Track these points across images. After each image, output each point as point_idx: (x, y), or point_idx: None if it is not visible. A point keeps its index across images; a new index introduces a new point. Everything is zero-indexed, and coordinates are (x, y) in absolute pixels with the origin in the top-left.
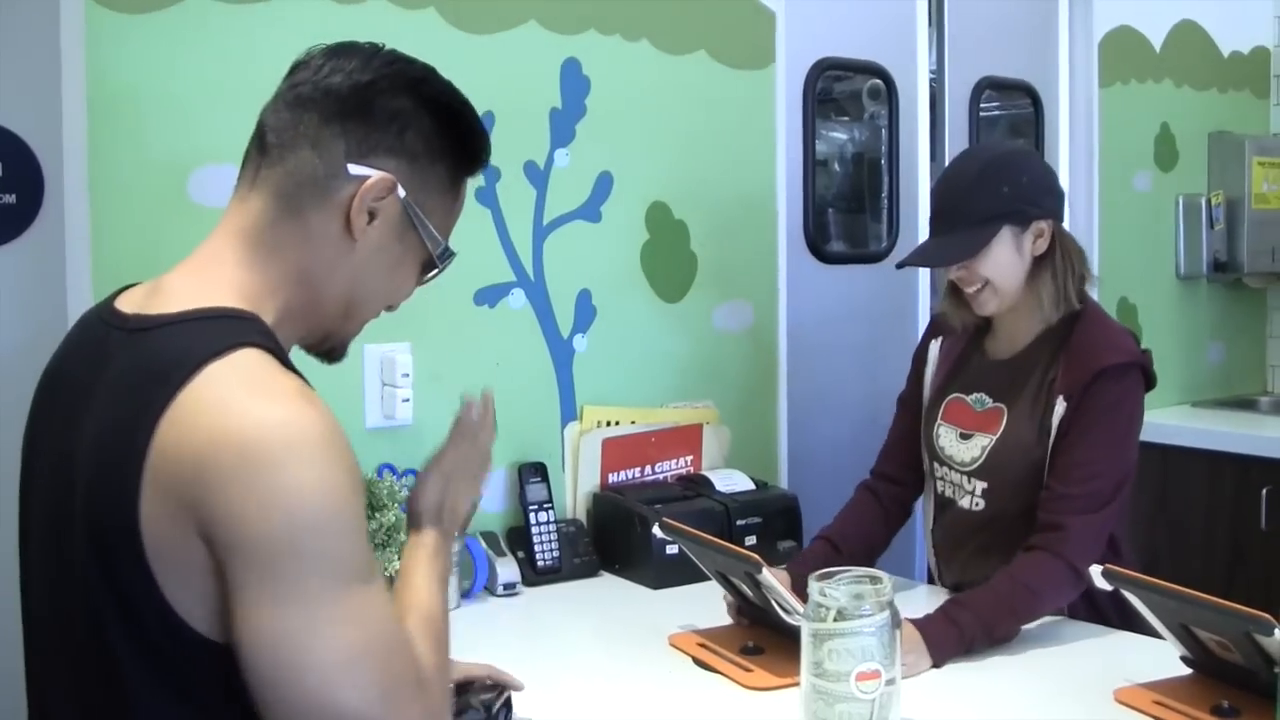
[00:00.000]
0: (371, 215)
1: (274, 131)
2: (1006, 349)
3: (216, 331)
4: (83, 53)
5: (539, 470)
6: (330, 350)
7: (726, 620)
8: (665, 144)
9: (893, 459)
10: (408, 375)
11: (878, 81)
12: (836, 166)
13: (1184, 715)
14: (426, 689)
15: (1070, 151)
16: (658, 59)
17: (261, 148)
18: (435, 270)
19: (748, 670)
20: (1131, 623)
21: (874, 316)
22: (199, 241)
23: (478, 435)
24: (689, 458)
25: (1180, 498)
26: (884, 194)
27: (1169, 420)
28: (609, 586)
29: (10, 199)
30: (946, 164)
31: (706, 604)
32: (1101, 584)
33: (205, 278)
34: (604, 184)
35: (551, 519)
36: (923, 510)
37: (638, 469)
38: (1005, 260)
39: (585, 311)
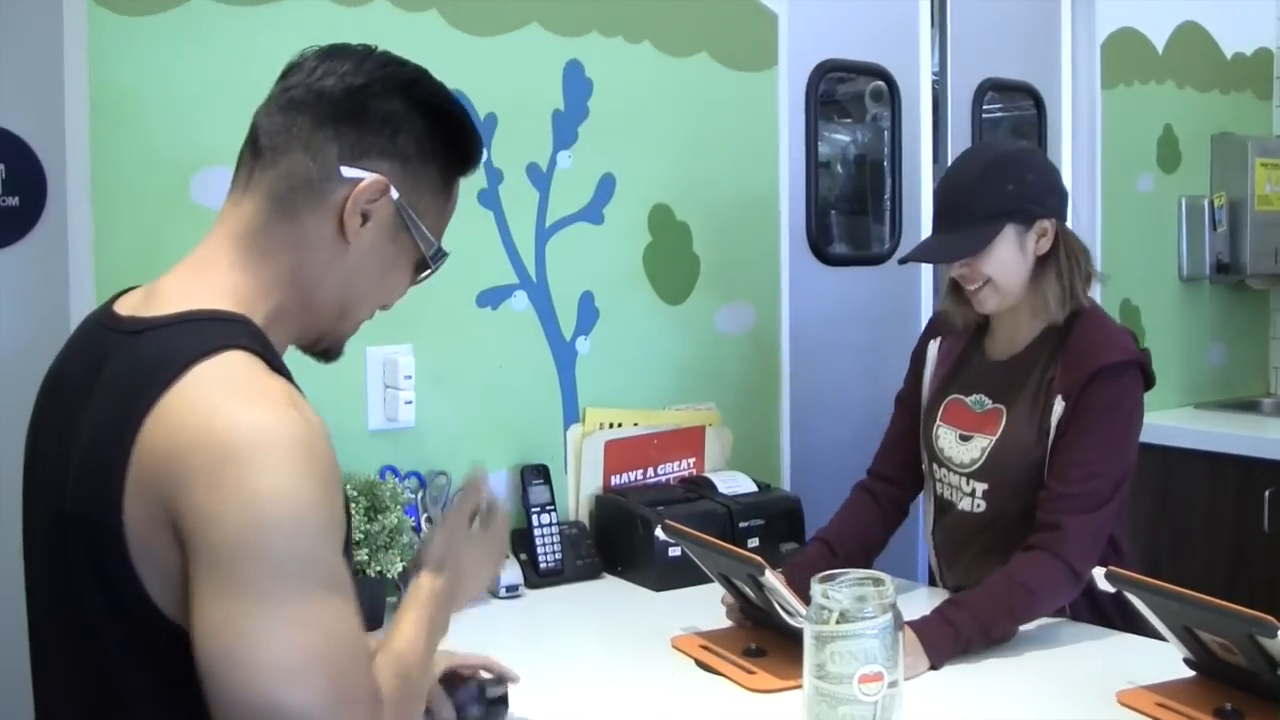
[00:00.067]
0: (365, 217)
1: (267, 134)
2: (1006, 349)
3: (205, 333)
4: (85, 55)
5: (541, 472)
6: (326, 350)
7: (729, 622)
8: (667, 146)
9: (890, 459)
10: (410, 377)
11: (880, 83)
12: (839, 168)
13: (1186, 717)
14: (380, 710)
15: (1073, 153)
16: (660, 61)
17: (255, 151)
18: (428, 271)
19: (750, 672)
20: (1134, 624)
21: (876, 318)
22: None
23: (492, 518)
24: (691, 460)
25: (1183, 499)
26: (886, 196)
27: (1171, 422)
28: (611, 588)
29: (13, 201)
30: (949, 165)
31: (709, 606)
32: (1104, 586)
33: (198, 280)
34: (606, 186)
35: (554, 521)
36: (923, 512)
37: (640, 471)
38: (1008, 258)
39: (588, 313)
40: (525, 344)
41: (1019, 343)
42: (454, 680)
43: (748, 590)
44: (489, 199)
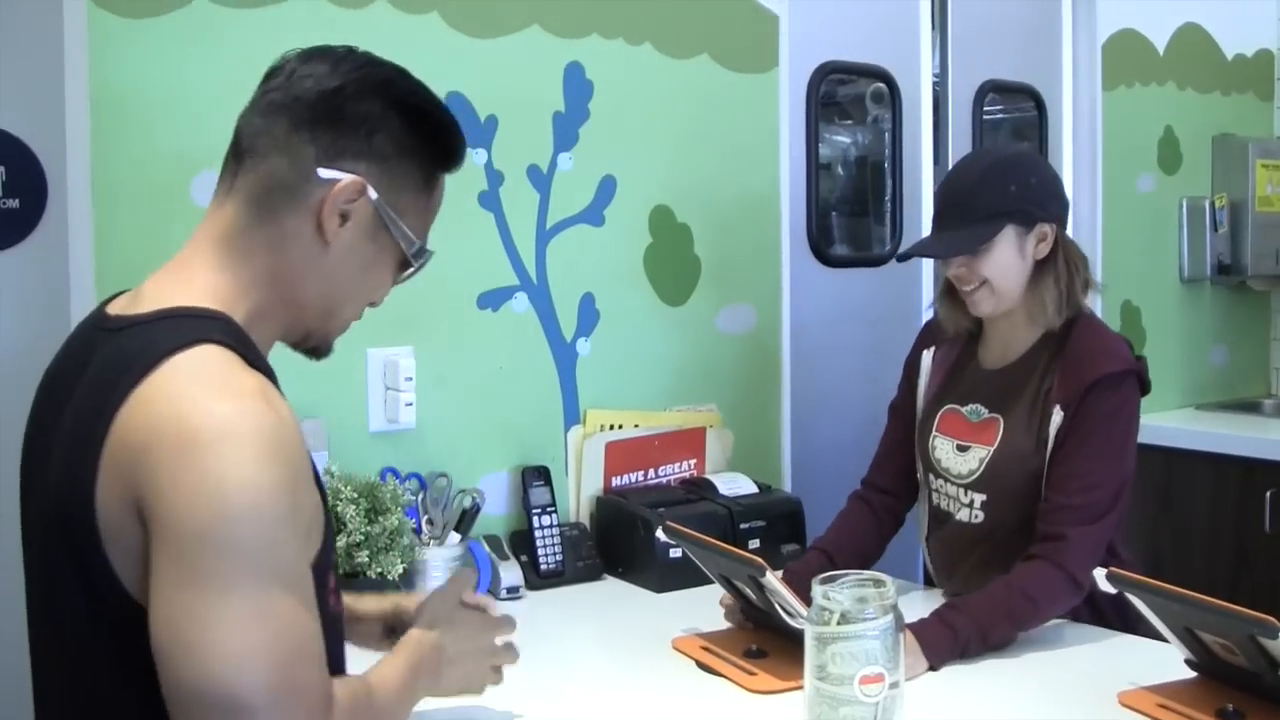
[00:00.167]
0: (344, 217)
1: (248, 138)
2: (1000, 358)
3: (181, 328)
4: (85, 57)
5: (542, 474)
6: (314, 348)
7: (729, 624)
8: (668, 147)
9: (885, 469)
10: (411, 379)
11: (881, 85)
12: (840, 170)
13: (1188, 718)
14: (328, 718)
15: (1074, 154)
16: (660, 63)
17: (237, 154)
18: (411, 269)
19: (751, 674)
20: (1132, 625)
21: (877, 319)
22: None
23: (482, 634)
24: (692, 461)
25: (1184, 501)
26: (887, 197)
27: (1173, 423)
28: (612, 590)
29: (14, 204)
30: (951, 167)
31: (710, 607)
32: (1106, 587)
33: (180, 281)
34: (607, 187)
35: (555, 522)
36: (918, 522)
37: (641, 472)
38: (1006, 260)
39: (588, 315)
40: (526, 346)
41: (1014, 351)
42: None
43: (749, 591)
44: (490, 201)
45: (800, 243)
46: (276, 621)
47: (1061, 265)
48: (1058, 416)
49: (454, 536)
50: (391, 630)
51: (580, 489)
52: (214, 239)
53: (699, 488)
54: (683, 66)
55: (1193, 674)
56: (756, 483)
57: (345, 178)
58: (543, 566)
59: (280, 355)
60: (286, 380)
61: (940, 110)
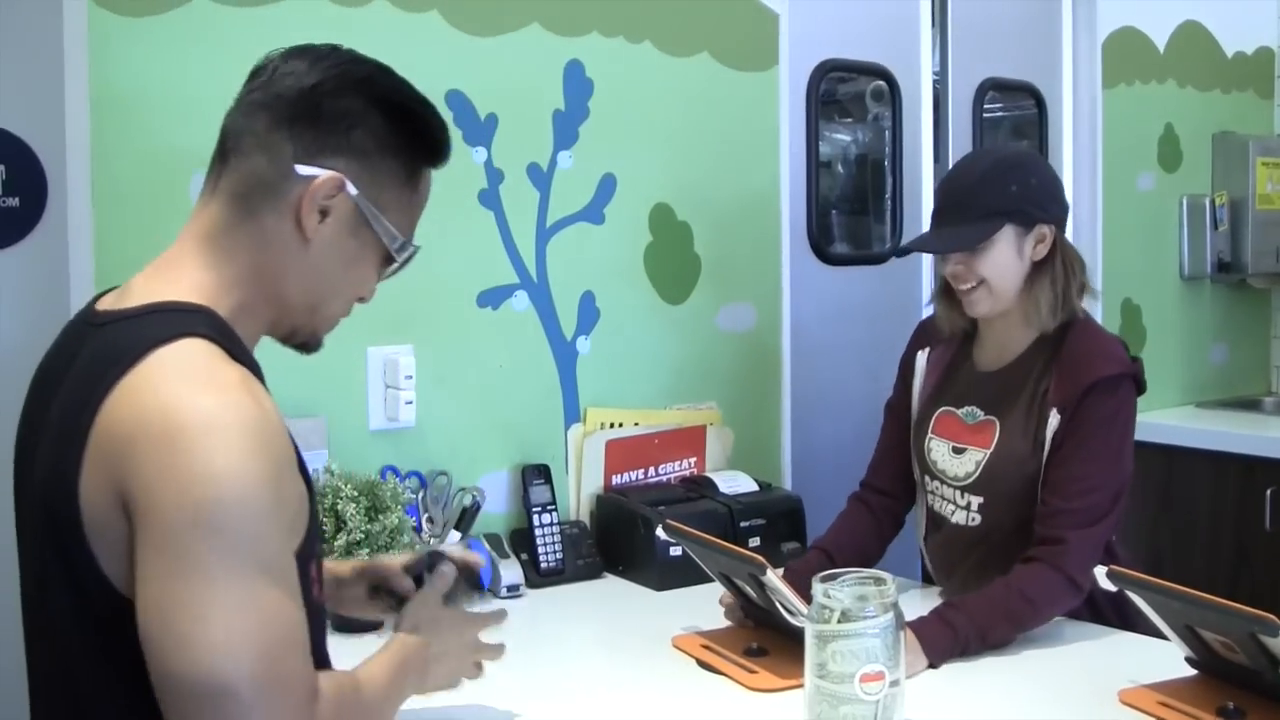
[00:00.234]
0: (324, 214)
1: (232, 137)
2: (996, 360)
3: (165, 322)
4: (85, 56)
5: (542, 472)
6: (303, 344)
7: (729, 622)
8: (668, 146)
9: (883, 471)
10: (411, 377)
11: (881, 83)
12: (840, 168)
13: (1189, 716)
14: (314, 709)
15: (1074, 152)
16: (661, 61)
17: (222, 153)
18: (395, 265)
19: (752, 672)
20: (1130, 623)
21: (877, 317)
22: None
23: (464, 631)
24: (692, 459)
25: (1184, 499)
26: (887, 195)
27: (1173, 421)
28: (612, 588)
29: (14, 202)
30: (950, 165)
31: (710, 606)
32: (1106, 585)
33: (165, 278)
34: (607, 186)
35: (555, 521)
36: (915, 524)
37: (641, 471)
38: (1004, 260)
39: (588, 313)
40: (526, 344)
41: (1010, 353)
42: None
43: (749, 590)
44: (490, 199)
45: (800, 241)
46: (262, 612)
47: (1059, 268)
48: (1054, 419)
49: (454, 535)
50: (375, 590)
51: (580, 487)
52: (199, 237)
53: (699, 486)
54: (683, 65)
55: (1193, 672)
56: (757, 481)
57: (323, 174)
58: (543, 565)
59: (281, 354)
60: (287, 379)
61: (940, 108)
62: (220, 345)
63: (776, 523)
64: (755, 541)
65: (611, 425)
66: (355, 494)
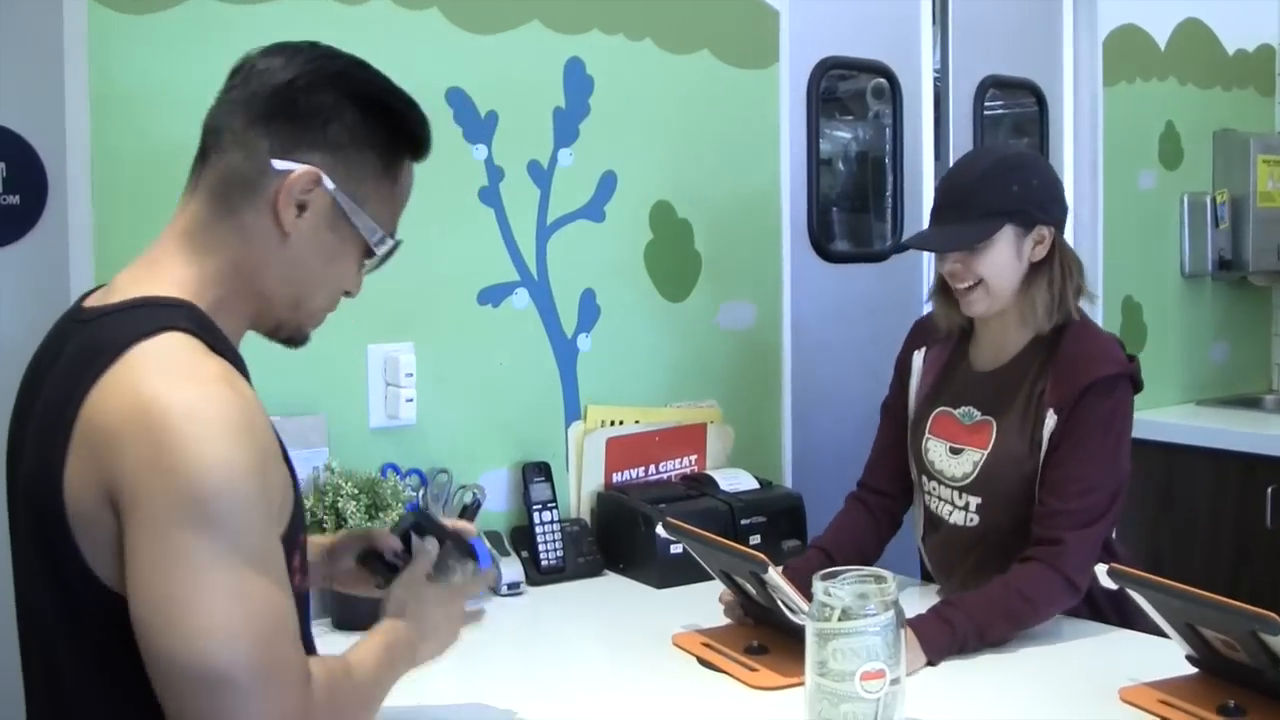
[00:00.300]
0: (301, 208)
1: (211, 135)
2: (992, 360)
3: (147, 317)
4: (85, 53)
5: (543, 470)
6: (288, 339)
7: (729, 619)
8: (669, 143)
9: (880, 472)
10: (411, 375)
11: (882, 80)
12: (840, 165)
13: (1190, 714)
14: (308, 693)
15: (1075, 150)
16: (661, 58)
17: (203, 151)
18: (375, 258)
19: (752, 670)
20: (1129, 621)
21: (878, 315)
22: None
23: (449, 605)
24: (693, 457)
25: (1185, 497)
26: (888, 193)
27: (1174, 419)
28: (613, 586)
29: (14, 200)
30: (951, 163)
31: (711, 604)
32: (1107, 583)
33: (148, 274)
34: (607, 183)
35: (555, 518)
36: (913, 524)
37: (641, 468)
38: (1003, 260)
39: (589, 311)
40: (526, 341)
41: (1006, 353)
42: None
43: (749, 587)
44: (490, 196)
45: (801, 238)
46: (253, 600)
47: (1057, 269)
48: (1051, 420)
49: None
50: (365, 558)
51: (581, 485)
52: (181, 234)
53: (700, 483)
54: (683, 62)
55: (1194, 670)
56: (757, 478)
57: (299, 168)
58: (543, 562)
59: (281, 353)
60: (287, 376)
61: (941, 106)
62: (201, 339)
63: (777, 520)
64: (756, 539)
65: (612, 423)
66: (356, 492)
